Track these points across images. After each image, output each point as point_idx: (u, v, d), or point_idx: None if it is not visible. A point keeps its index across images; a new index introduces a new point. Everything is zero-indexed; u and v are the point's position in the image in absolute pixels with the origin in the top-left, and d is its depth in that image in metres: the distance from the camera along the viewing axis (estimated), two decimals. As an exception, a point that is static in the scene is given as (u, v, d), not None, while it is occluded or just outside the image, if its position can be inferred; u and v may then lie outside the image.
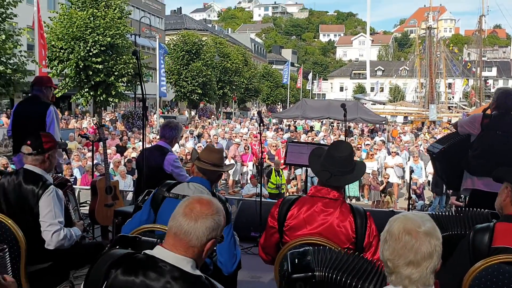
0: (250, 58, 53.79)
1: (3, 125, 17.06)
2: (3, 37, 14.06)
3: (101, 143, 5.93)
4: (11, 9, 14.78)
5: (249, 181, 13.60)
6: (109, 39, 21.84)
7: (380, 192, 13.03)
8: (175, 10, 72.53)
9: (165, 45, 33.61)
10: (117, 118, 26.46)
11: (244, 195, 11.70)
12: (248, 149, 15.46)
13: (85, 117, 25.77)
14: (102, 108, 26.27)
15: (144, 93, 3.92)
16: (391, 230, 1.82)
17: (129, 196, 8.82)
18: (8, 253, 2.59)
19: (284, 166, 12.12)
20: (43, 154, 3.34)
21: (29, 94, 5.43)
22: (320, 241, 2.69)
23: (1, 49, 13.78)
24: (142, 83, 3.89)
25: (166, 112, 38.55)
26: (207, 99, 37.50)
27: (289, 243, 2.80)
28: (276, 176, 11.95)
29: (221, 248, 3.03)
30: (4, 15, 14.62)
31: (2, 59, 14.11)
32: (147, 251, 1.88)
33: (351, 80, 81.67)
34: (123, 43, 23.01)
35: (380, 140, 18.60)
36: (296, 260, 2.28)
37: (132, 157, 13.13)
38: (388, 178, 13.45)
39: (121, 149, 14.42)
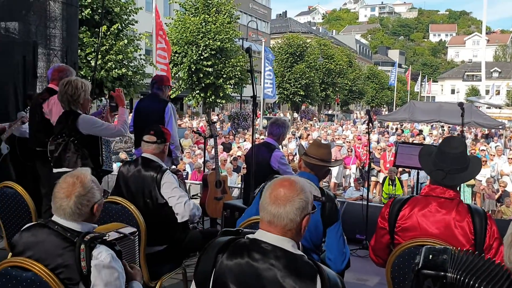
0: (355, 60, 52.76)
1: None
2: (125, 41, 15.32)
3: (211, 139, 6.19)
4: (133, 15, 16.07)
5: (351, 184, 13.32)
6: (218, 43, 22.79)
7: (496, 201, 12.00)
8: (280, 14, 73.62)
9: (270, 48, 34.20)
10: (224, 118, 27.50)
11: (347, 199, 11.47)
12: (351, 151, 15.15)
13: (195, 117, 27.14)
14: (211, 109, 27.46)
15: (255, 89, 4.01)
16: None
17: (235, 192, 9.09)
18: (137, 238, 2.77)
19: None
20: (164, 144, 3.57)
21: (149, 92, 5.81)
22: (436, 243, 2.54)
23: (123, 53, 14.99)
24: (253, 80, 3.99)
25: (268, 114, 39.20)
26: (309, 101, 37.48)
27: (401, 244, 2.69)
28: (389, 185, 11.36)
29: (330, 245, 3.00)
30: (126, 22, 15.92)
31: (124, 62, 15.36)
32: (249, 235, 1.93)
33: (464, 82, 76.31)
34: (232, 47, 23.87)
35: (496, 146, 17.15)
36: (431, 255, 2.12)
37: (238, 156, 13.58)
38: (505, 187, 12.34)
39: (227, 148, 15.03)
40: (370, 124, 5.66)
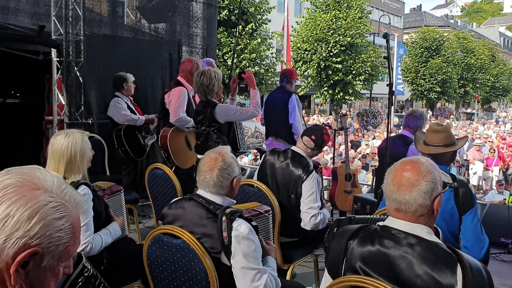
0: (498, 54, 48.02)
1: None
2: (259, 40, 15.88)
3: (339, 136, 6.13)
4: (266, 15, 16.61)
5: (493, 187, 12.17)
6: (349, 39, 22.49)
7: None
8: (414, 8, 69.92)
9: (403, 43, 32.72)
10: (352, 116, 27.03)
11: (488, 202, 10.49)
12: (494, 152, 13.85)
13: (322, 115, 27.12)
14: (338, 107, 27.20)
15: (392, 76, 3.88)
16: None
17: (363, 190, 8.88)
18: (271, 216, 2.88)
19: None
20: (318, 151, 3.61)
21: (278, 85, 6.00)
22: None
23: (257, 52, 15.56)
24: (390, 66, 3.86)
25: (400, 112, 37.56)
26: (446, 98, 35.05)
27: None
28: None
29: (466, 233, 2.77)
30: (260, 21, 16.51)
31: (257, 60, 15.94)
32: (380, 222, 1.86)
33: None
34: (362, 43, 23.38)
35: None
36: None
37: (366, 153, 13.25)
38: None
39: (356, 146, 14.76)
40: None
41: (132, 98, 5.65)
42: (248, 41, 15.68)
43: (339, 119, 6.10)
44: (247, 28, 15.60)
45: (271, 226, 2.89)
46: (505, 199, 9.74)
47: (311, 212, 3.37)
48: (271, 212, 2.87)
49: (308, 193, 3.40)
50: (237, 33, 9.07)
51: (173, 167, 4.67)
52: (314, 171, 3.46)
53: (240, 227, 2.20)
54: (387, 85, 3.94)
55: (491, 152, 13.87)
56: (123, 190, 3.29)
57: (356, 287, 1.72)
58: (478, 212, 2.81)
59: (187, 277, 2.23)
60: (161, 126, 5.06)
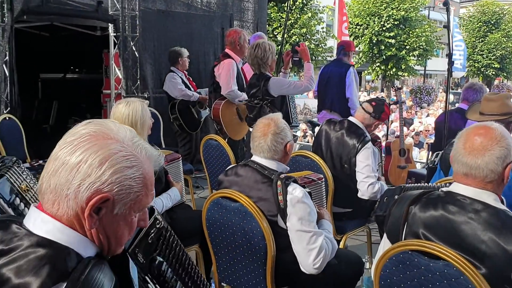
0: None
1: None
2: (309, 15, 15.64)
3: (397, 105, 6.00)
4: (316, -12, 16.33)
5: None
6: (402, 13, 21.73)
7: None
8: (474, -21, 66.30)
9: (459, 18, 31.23)
10: (404, 93, 26.26)
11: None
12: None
13: (373, 92, 26.53)
14: (390, 84, 26.49)
15: (451, 47, 3.74)
16: None
17: (417, 166, 8.68)
18: (324, 184, 2.89)
19: None
20: (376, 120, 3.52)
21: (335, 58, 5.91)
22: None
23: (307, 26, 15.36)
24: (450, 36, 3.72)
25: (454, 89, 36.10)
26: (504, 74, 33.25)
27: None
28: None
29: None
30: (311, -6, 16.26)
31: (307, 35, 15.74)
32: (443, 188, 1.82)
33: None
34: (416, 17, 22.52)
35: None
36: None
37: (420, 131, 12.89)
38: None
39: (408, 123, 14.38)
40: None
41: (186, 73, 5.76)
42: (299, 16, 15.49)
43: (393, 92, 5.96)
44: (297, 3, 15.39)
45: (324, 194, 2.90)
46: None
47: (368, 181, 3.33)
48: (323, 179, 2.88)
49: (364, 163, 3.35)
50: (288, 7, 8.95)
51: (226, 139, 4.75)
52: (370, 142, 3.41)
53: (295, 191, 2.23)
54: (447, 55, 3.80)
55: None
56: (181, 158, 3.39)
57: (416, 251, 1.71)
58: None
59: (245, 239, 2.30)
60: (212, 99, 5.14)
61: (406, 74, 24.19)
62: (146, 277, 1.27)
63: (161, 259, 1.33)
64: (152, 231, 1.32)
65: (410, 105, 20.06)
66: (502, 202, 1.77)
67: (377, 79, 26.71)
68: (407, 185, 2.38)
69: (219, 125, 4.95)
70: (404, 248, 1.74)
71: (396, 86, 5.81)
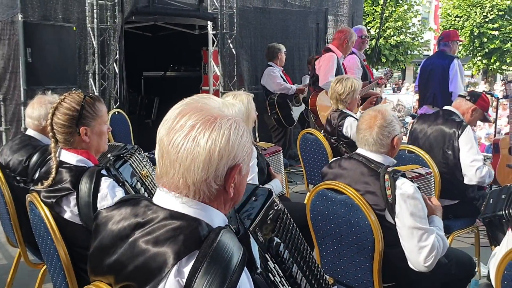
0: None
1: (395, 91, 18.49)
2: (405, 7, 15.05)
3: (505, 100, 5.57)
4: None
5: None
6: (508, 2, 20.09)
7: None
8: None
9: None
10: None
11: None
12: None
13: (471, 88, 24.85)
14: (492, 79, 24.67)
15: None
16: None
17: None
18: (433, 178, 2.77)
19: None
20: (473, 103, 3.38)
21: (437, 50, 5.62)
22: None
23: (402, 19, 14.80)
24: None
25: None
26: None
27: None
28: None
29: None
30: (407, -13, 15.64)
31: (402, 29, 15.16)
32: None
33: None
34: (524, 5, 20.73)
35: None
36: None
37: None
38: None
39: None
40: None
41: (283, 68, 5.83)
42: (394, 9, 14.94)
43: (503, 86, 5.53)
44: (392, -5, 14.89)
45: (433, 189, 2.78)
46: None
47: (475, 164, 3.17)
48: (432, 174, 2.76)
49: (467, 146, 3.21)
50: (384, 0, 8.66)
51: (321, 130, 4.73)
52: (469, 126, 3.26)
53: (405, 185, 2.15)
54: None
55: None
56: (281, 151, 3.43)
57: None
58: None
59: (351, 232, 2.26)
60: (311, 91, 5.16)
61: (511, 68, 22.37)
62: (266, 255, 1.30)
63: (279, 240, 1.35)
64: (270, 212, 1.34)
65: None
66: None
67: (477, 74, 24.97)
68: None
69: (315, 115, 4.96)
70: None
71: (506, 79, 5.37)
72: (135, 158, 2.15)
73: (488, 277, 3.26)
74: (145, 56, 8.62)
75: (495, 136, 6.50)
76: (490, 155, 5.79)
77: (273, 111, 5.60)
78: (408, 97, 15.79)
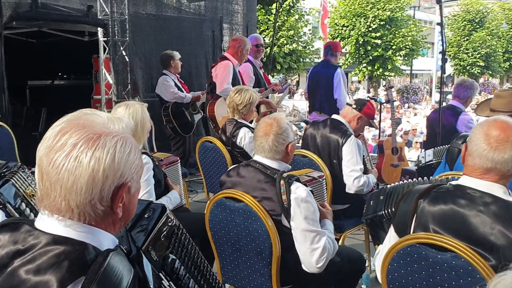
0: (549, 25, 45.59)
1: (291, 97, 19.22)
2: (296, 17, 15.74)
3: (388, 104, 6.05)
4: (302, -10, 16.46)
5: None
6: (388, 13, 21.92)
7: None
8: (456, -21, 67.20)
9: (444, 18, 31.58)
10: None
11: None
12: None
13: (357, 92, 26.67)
14: (376, 84, 26.70)
15: (445, 43, 3.78)
16: None
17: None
18: (325, 181, 2.91)
19: None
20: (359, 112, 3.57)
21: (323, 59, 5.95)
22: None
23: (294, 28, 15.45)
24: (443, 32, 3.76)
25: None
26: (489, 72, 33.71)
27: None
28: None
29: None
30: (297, -3, 16.37)
31: (295, 37, 15.82)
32: (453, 182, 1.84)
33: None
34: (402, 17, 22.76)
35: None
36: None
37: (408, 130, 13.03)
38: None
39: (396, 123, 14.53)
40: None
41: (178, 76, 5.76)
42: (286, 18, 15.56)
43: (385, 91, 6.01)
44: (284, 5, 15.45)
45: (325, 192, 2.92)
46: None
47: (353, 174, 3.37)
48: (324, 177, 2.90)
49: (348, 156, 3.40)
50: (276, 10, 8.98)
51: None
52: (352, 135, 3.46)
53: (298, 190, 2.24)
54: (440, 52, 3.85)
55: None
56: (179, 161, 3.38)
57: (424, 244, 1.73)
58: None
59: (249, 239, 2.30)
60: (209, 99, 5.17)
61: (393, 74, 24.39)
62: (160, 274, 1.27)
63: (174, 257, 1.33)
64: (164, 229, 1.32)
65: (398, 104, 20.26)
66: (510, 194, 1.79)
67: (364, 80, 26.88)
68: (388, 186, 2.42)
69: (214, 122, 4.98)
70: (412, 241, 1.75)
71: (388, 85, 5.85)
72: (19, 176, 1.99)
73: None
74: (30, 64, 8.01)
75: (379, 137, 7.03)
76: (377, 155, 6.26)
77: (168, 120, 5.51)
78: (303, 102, 16.50)
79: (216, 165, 4.08)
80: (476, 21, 33.06)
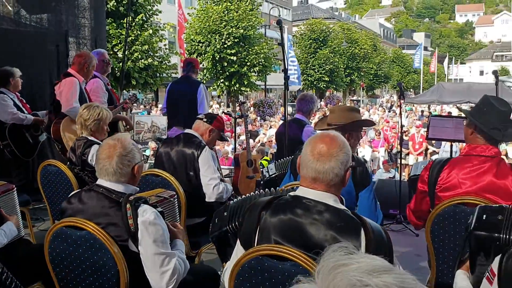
0: (379, 43, 51.96)
1: (149, 113, 18.88)
2: (150, 32, 15.54)
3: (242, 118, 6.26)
4: (156, 5, 16.30)
5: (381, 167, 13.21)
6: (241, 31, 22.85)
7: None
8: (301, 1, 72.93)
9: (292, 36, 34.02)
10: (248, 108, 27.54)
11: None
12: (380, 134, 15.02)
13: (220, 106, 27.28)
14: (235, 99, 27.58)
15: (286, 63, 4.04)
16: None
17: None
18: (177, 200, 2.87)
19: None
20: (209, 125, 3.66)
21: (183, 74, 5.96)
22: (478, 200, 2.54)
23: (149, 43, 15.23)
24: (284, 52, 4.02)
25: (294, 101, 39.00)
26: (334, 86, 37.17)
27: (442, 203, 2.69)
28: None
29: (362, 209, 2.99)
30: (150, 12, 16.15)
31: (149, 52, 15.59)
32: (291, 193, 1.95)
33: (493, 63, 74.30)
34: (255, 35, 23.91)
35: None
36: (485, 216, 1.99)
37: (264, 142, 13.66)
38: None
39: (254, 136, 15.15)
40: (402, 97, 5.66)
41: (19, 94, 5.25)
42: (139, 32, 15.27)
43: (238, 106, 6.21)
44: (137, 19, 15.16)
45: (177, 211, 2.89)
46: (390, 177, 10.60)
47: (212, 182, 3.47)
48: (176, 196, 2.87)
49: (205, 166, 3.50)
50: (127, 24, 8.72)
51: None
52: (207, 146, 3.56)
53: (146, 213, 2.17)
54: (282, 70, 4.10)
55: (377, 135, 15.00)
56: (15, 188, 3.06)
57: (267, 256, 1.79)
58: (373, 189, 3.04)
59: (94, 269, 2.16)
60: (52, 119, 4.78)
61: (248, 89, 25.43)
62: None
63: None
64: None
65: (254, 118, 21.17)
66: (341, 201, 1.95)
67: (222, 95, 27.58)
68: (231, 202, 2.49)
69: (60, 144, 4.62)
70: (255, 254, 1.80)
71: (240, 101, 6.07)
72: None
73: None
74: None
75: (235, 150, 7.24)
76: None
77: (5, 144, 4.98)
78: (162, 118, 16.28)
79: (61, 190, 3.79)
80: (320, 39, 36.25)
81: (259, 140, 14.34)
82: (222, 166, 9.56)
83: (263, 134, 15.67)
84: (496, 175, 2.58)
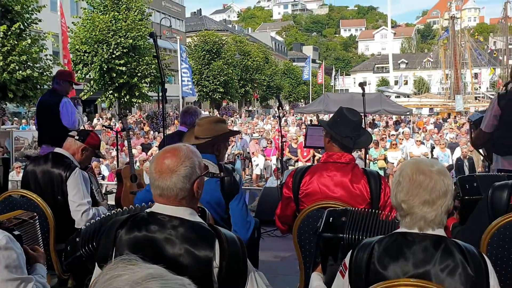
0: (271, 56, 53.91)
1: (30, 129, 17.61)
2: (29, 41, 14.53)
3: (124, 132, 6.09)
4: (36, 14, 15.27)
5: (273, 174, 13.64)
6: (131, 41, 22.28)
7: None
8: (195, 12, 73.18)
9: (185, 46, 33.96)
10: (143, 119, 26.87)
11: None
12: (271, 143, 15.52)
13: (105, 119, 26.26)
14: (127, 111, 26.72)
15: (163, 76, 4.03)
16: (404, 172, 1.81)
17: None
18: (38, 222, 2.70)
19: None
20: (81, 144, 3.50)
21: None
22: (336, 205, 2.73)
23: (27, 53, 14.23)
24: (160, 64, 3.99)
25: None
26: (229, 97, 37.74)
27: (305, 209, 2.85)
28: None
29: (234, 218, 3.05)
30: (29, 20, 15.10)
31: (29, 63, 14.57)
32: (147, 209, 1.94)
33: (374, 74, 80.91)
34: (145, 45, 23.43)
35: (403, 131, 18.37)
36: (331, 218, 2.19)
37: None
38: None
39: (147, 149, 14.79)
40: (281, 108, 5.90)
41: None
42: (16, 42, 14.18)
43: (120, 120, 6.03)
44: (13, 28, 14.06)
45: (39, 233, 2.72)
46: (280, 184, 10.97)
47: (81, 209, 3.31)
48: (37, 217, 2.71)
49: (74, 191, 3.33)
50: (1, 33, 8.04)
51: None
52: (77, 168, 3.39)
53: None
54: (159, 83, 4.08)
55: (269, 144, 15.47)
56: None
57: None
58: (243, 197, 3.11)
59: None
60: None
61: (140, 100, 24.84)
62: None
63: None
64: None
65: (148, 130, 20.70)
66: (203, 213, 1.97)
67: (112, 107, 26.60)
68: (96, 220, 2.43)
69: None
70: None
71: (122, 114, 5.87)
72: None
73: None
74: None
75: (117, 166, 7.01)
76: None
77: None
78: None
79: None
80: (214, 51, 36.66)
81: (152, 153, 14.03)
82: (110, 183, 9.20)
83: (156, 146, 15.37)
84: (351, 180, 2.81)
